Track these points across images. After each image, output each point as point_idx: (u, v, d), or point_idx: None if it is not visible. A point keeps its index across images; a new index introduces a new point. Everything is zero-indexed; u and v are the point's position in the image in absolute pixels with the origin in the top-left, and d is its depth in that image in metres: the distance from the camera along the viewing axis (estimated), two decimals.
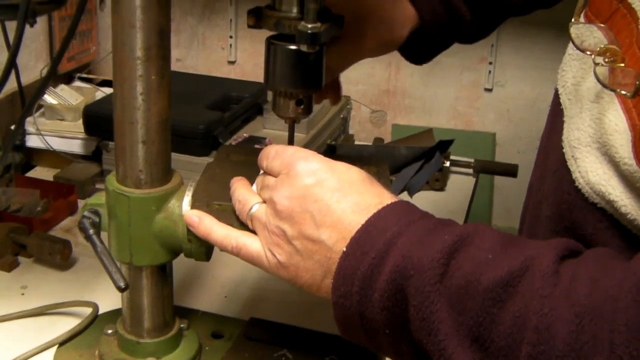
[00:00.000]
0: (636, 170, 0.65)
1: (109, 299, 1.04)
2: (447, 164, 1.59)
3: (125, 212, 0.84)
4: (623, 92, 0.65)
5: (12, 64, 0.79)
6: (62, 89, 1.70)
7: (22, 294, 1.11)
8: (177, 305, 0.99)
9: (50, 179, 1.44)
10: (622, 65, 0.66)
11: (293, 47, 0.82)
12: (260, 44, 0.87)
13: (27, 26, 0.75)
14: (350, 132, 1.83)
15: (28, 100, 0.92)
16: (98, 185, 1.44)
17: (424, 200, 1.47)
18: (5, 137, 1.53)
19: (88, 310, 1.04)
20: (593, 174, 0.70)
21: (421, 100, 2.50)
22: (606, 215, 0.70)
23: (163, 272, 0.90)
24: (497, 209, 2.49)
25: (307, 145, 1.50)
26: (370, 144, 1.71)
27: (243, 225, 0.78)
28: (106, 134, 1.44)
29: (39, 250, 1.17)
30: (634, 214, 0.67)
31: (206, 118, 1.44)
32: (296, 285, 0.74)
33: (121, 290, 0.85)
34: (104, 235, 0.87)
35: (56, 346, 0.98)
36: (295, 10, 0.82)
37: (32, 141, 1.53)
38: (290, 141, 0.91)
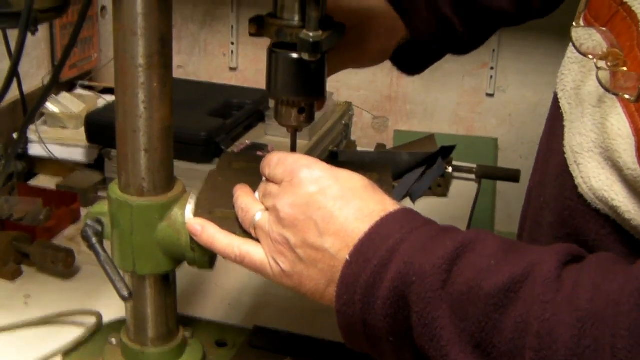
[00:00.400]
0: None
1: (113, 308, 1.04)
2: (450, 169, 1.59)
3: (128, 221, 0.84)
4: (626, 96, 0.65)
5: (14, 72, 0.79)
6: (64, 96, 1.70)
7: (26, 303, 1.11)
8: (181, 314, 0.98)
9: (53, 187, 1.44)
10: (625, 69, 0.66)
11: (295, 55, 0.82)
12: (262, 51, 0.87)
13: (29, 34, 0.75)
14: (353, 138, 1.83)
15: (30, 108, 0.92)
16: (101, 194, 1.44)
17: (426, 206, 1.47)
18: (7, 146, 1.53)
19: (92, 319, 1.03)
20: (596, 179, 0.69)
21: (423, 106, 2.49)
22: (609, 221, 0.69)
23: (166, 281, 0.90)
24: (499, 215, 2.48)
25: (309, 152, 1.50)
26: (373, 150, 1.71)
27: (246, 234, 0.78)
28: (108, 142, 1.44)
29: (42, 259, 1.17)
30: (637, 219, 0.67)
31: (208, 125, 1.44)
32: (300, 294, 0.74)
33: (125, 299, 0.85)
34: (107, 243, 0.87)
35: (60, 356, 0.98)
36: (297, 18, 0.82)
37: (35, 149, 1.53)
38: (293, 148, 0.91)
